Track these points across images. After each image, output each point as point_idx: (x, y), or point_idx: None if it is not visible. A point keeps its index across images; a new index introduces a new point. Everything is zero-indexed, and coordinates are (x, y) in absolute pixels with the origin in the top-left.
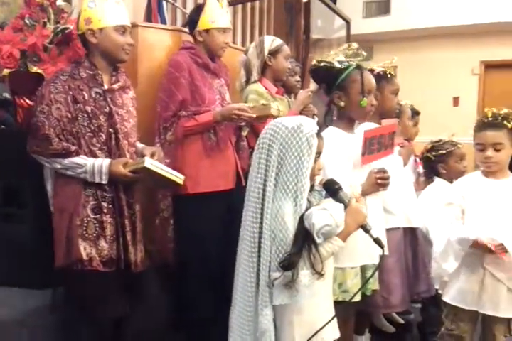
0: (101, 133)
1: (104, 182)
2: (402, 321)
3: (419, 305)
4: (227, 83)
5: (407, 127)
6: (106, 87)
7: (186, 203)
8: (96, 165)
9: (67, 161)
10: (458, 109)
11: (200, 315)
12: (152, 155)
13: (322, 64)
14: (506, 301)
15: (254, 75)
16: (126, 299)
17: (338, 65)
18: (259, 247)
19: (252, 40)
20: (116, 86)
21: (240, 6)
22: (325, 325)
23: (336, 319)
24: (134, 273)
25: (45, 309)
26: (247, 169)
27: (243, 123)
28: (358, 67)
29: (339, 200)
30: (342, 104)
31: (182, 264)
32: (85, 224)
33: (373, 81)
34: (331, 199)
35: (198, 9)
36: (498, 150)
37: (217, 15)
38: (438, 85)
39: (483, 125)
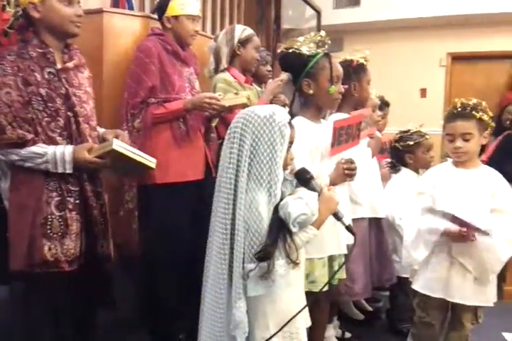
0: (59, 118)
1: (68, 171)
2: (370, 308)
3: (387, 293)
4: (196, 72)
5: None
6: (59, 66)
7: (154, 193)
8: (58, 153)
9: (24, 151)
10: (425, 101)
11: (166, 309)
12: (116, 138)
13: (291, 50)
14: (473, 290)
15: (223, 63)
16: (91, 298)
17: (306, 52)
18: (232, 239)
19: (222, 29)
20: (70, 64)
21: None
22: (296, 314)
23: (307, 307)
24: (102, 269)
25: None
26: (217, 160)
27: (214, 112)
28: (326, 54)
29: (311, 189)
30: (311, 91)
31: (149, 257)
32: (49, 223)
33: (341, 69)
34: (303, 189)
35: None
36: (467, 140)
37: (186, 2)
38: (406, 77)
39: (453, 115)
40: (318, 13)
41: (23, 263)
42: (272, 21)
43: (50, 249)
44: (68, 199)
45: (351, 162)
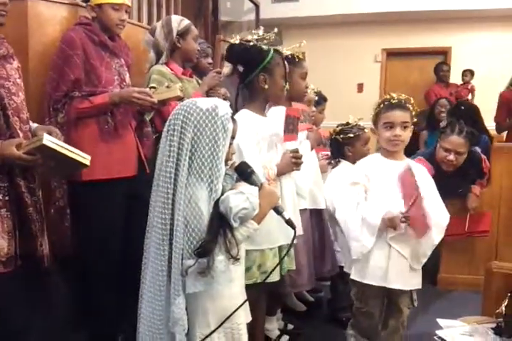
0: None
1: None
2: (312, 299)
3: (328, 283)
4: (127, 63)
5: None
6: None
7: (82, 191)
8: None
9: None
10: (362, 95)
11: (103, 309)
12: (49, 134)
13: (251, 44)
14: (410, 275)
15: (163, 58)
16: (31, 303)
17: (265, 47)
18: (171, 235)
19: (158, 20)
20: None
21: None
22: (237, 310)
23: (247, 303)
24: (41, 270)
25: None
26: (151, 156)
27: (144, 108)
28: (277, 51)
29: (252, 183)
30: (266, 86)
31: (81, 256)
32: None
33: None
34: (243, 183)
35: None
36: (404, 129)
37: None
38: (343, 72)
39: (392, 105)
40: (257, 6)
41: None
42: (209, 13)
43: None
44: None
45: (297, 152)
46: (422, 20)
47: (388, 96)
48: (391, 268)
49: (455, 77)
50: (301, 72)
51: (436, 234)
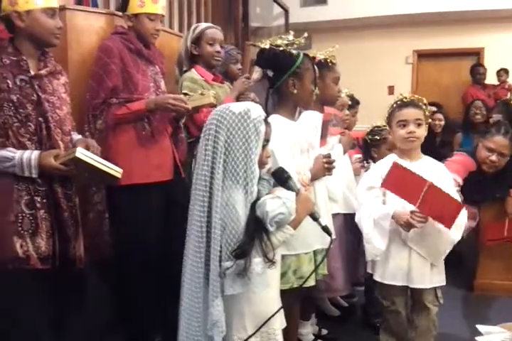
0: (29, 123)
1: (34, 176)
2: (346, 304)
3: (362, 288)
4: (162, 71)
5: (340, 116)
6: (32, 73)
7: (120, 195)
8: (24, 158)
9: None
10: (393, 98)
11: (140, 312)
12: (87, 148)
13: (281, 49)
14: (431, 273)
15: (183, 68)
16: (65, 297)
17: (294, 52)
18: (208, 237)
19: (189, 27)
20: (44, 71)
21: None
22: (273, 315)
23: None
24: (74, 270)
25: None
26: (186, 160)
27: (178, 114)
28: (307, 56)
29: (289, 189)
30: (295, 91)
31: (119, 259)
32: (20, 220)
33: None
34: (280, 188)
35: None
36: (419, 126)
37: None
38: (374, 74)
39: (405, 103)
40: (286, 11)
41: None
42: (240, 19)
43: (21, 246)
44: (36, 198)
45: (329, 157)
46: (454, 21)
47: (401, 97)
48: (411, 267)
49: (489, 78)
50: (333, 76)
51: (454, 232)
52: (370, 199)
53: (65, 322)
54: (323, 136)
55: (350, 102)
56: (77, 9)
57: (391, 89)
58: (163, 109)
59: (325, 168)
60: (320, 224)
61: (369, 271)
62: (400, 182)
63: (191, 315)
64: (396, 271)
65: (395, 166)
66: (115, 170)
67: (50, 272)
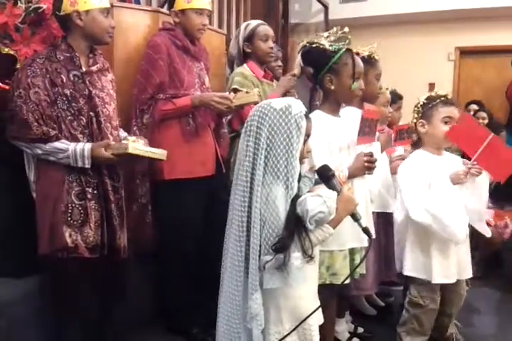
0: (81, 117)
1: (87, 166)
2: (382, 303)
3: (401, 288)
4: (206, 67)
5: (384, 113)
6: (84, 69)
7: (163, 189)
8: (78, 149)
9: (48, 146)
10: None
11: (181, 303)
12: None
13: (314, 45)
14: (470, 265)
15: (236, 66)
16: (109, 287)
17: (330, 48)
18: (248, 231)
19: (228, 25)
20: (94, 68)
21: None
22: (313, 312)
23: (320, 303)
24: (118, 260)
25: (22, 298)
26: (227, 156)
27: (222, 111)
28: (349, 50)
29: (331, 187)
30: (332, 87)
31: (161, 251)
32: (70, 211)
33: (362, 65)
34: (322, 186)
35: None
36: None
37: None
38: (414, 71)
39: (450, 101)
40: (326, 7)
41: (47, 247)
42: (279, 16)
43: (70, 236)
44: (87, 189)
45: (371, 155)
46: (498, 17)
47: (434, 94)
48: (460, 261)
49: None
50: (375, 72)
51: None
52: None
53: (107, 312)
54: (371, 134)
55: (390, 97)
56: (123, 7)
57: (432, 87)
58: (207, 105)
59: (365, 166)
60: (360, 225)
61: (407, 273)
62: (464, 132)
63: (231, 308)
64: (448, 268)
65: (465, 116)
66: (160, 154)
67: (97, 261)
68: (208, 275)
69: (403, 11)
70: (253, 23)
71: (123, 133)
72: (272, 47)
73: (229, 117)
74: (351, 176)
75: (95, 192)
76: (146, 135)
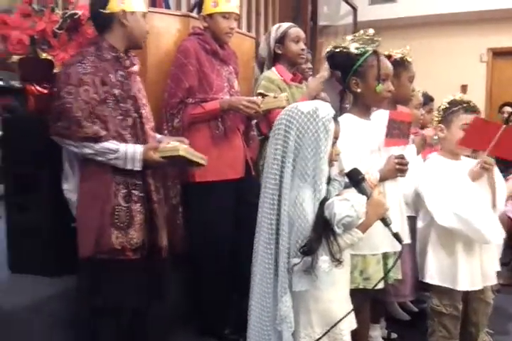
0: (128, 118)
1: (137, 169)
2: (416, 309)
3: None
4: (235, 71)
5: (416, 115)
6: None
7: (194, 191)
8: (129, 151)
9: (98, 146)
10: (466, 97)
11: (211, 304)
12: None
13: (338, 49)
14: (495, 271)
15: (266, 68)
16: (150, 288)
17: (355, 51)
18: (278, 234)
19: (257, 27)
20: (135, 68)
21: None
22: (344, 317)
23: (353, 307)
24: (159, 260)
25: (57, 297)
26: (257, 158)
27: (250, 115)
28: (375, 52)
29: (361, 191)
30: (358, 90)
31: (193, 252)
32: (117, 213)
33: (390, 67)
34: (351, 190)
35: None
36: None
37: None
38: (446, 73)
39: (473, 108)
40: (355, 9)
41: (92, 250)
42: (308, 18)
43: (117, 238)
44: (133, 192)
45: (402, 158)
46: None
47: (458, 98)
48: (483, 266)
49: None
50: (408, 75)
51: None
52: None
53: (143, 312)
54: (401, 136)
55: (422, 99)
56: (154, 11)
57: (464, 88)
58: (236, 109)
59: (397, 169)
60: (391, 230)
61: (428, 281)
62: (476, 134)
63: (261, 310)
64: (473, 275)
65: (475, 120)
66: (203, 159)
67: (138, 261)
68: (238, 277)
69: (434, 12)
70: (284, 25)
71: (157, 135)
72: (303, 49)
73: (257, 120)
74: (383, 179)
75: (140, 194)
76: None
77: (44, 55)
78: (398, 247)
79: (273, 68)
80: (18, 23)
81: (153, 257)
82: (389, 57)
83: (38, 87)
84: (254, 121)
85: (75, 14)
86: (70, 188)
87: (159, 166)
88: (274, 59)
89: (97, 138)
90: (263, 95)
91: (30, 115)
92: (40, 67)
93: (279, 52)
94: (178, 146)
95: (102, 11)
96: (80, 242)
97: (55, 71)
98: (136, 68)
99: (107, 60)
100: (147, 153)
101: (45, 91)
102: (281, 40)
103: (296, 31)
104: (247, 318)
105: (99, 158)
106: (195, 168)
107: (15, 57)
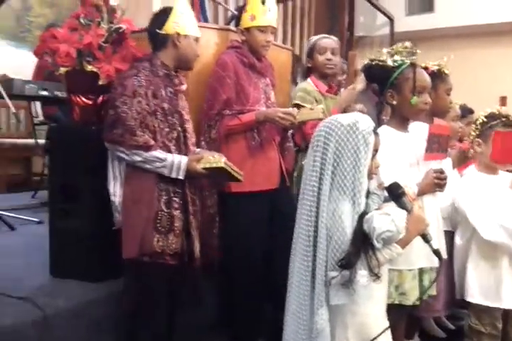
0: (173, 131)
1: (181, 177)
2: (452, 327)
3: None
4: (272, 82)
5: (454, 128)
6: (176, 87)
7: (229, 201)
8: (176, 161)
9: (147, 154)
10: (505, 110)
11: (245, 314)
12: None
13: (374, 62)
14: None
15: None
16: (185, 295)
17: (390, 63)
18: (315, 246)
19: (292, 39)
20: (183, 87)
21: (280, 5)
22: (382, 332)
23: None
24: (194, 268)
25: (99, 302)
26: (292, 169)
27: (286, 127)
28: (412, 64)
29: (401, 205)
30: (394, 102)
31: (227, 261)
32: (159, 218)
33: (428, 79)
34: (390, 204)
35: (241, 7)
36: None
37: (257, 12)
38: (485, 84)
39: (510, 122)
40: (391, 20)
41: (136, 251)
42: (344, 28)
43: (158, 241)
44: (174, 199)
45: (441, 172)
46: None
47: (496, 111)
48: None
49: None
50: (446, 87)
51: None
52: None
53: (178, 319)
54: (441, 150)
55: (460, 112)
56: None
57: (503, 100)
58: (272, 121)
59: (435, 183)
60: (431, 246)
61: (470, 299)
62: (505, 147)
63: (298, 322)
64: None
65: (496, 135)
66: (240, 174)
67: (176, 268)
68: (272, 287)
69: (472, 22)
70: (314, 37)
71: (197, 150)
72: (329, 59)
73: (291, 131)
74: (421, 193)
75: (181, 202)
76: (214, 150)
77: (89, 68)
78: (435, 263)
79: (308, 79)
80: (67, 37)
81: (187, 265)
82: (425, 69)
83: (83, 98)
84: (290, 133)
85: (120, 28)
86: (113, 192)
87: (200, 177)
88: (308, 73)
89: (147, 147)
90: (299, 106)
91: (75, 125)
92: (85, 79)
93: (309, 65)
94: (220, 159)
95: (158, 31)
96: (125, 244)
97: (99, 83)
98: (183, 87)
99: (159, 76)
100: (191, 163)
101: (90, 102)
102: (311, 53)
103: (324, 42)
104: (280, 330)
105: (147, 166)
106: (233, 183)
107: (62, 69)
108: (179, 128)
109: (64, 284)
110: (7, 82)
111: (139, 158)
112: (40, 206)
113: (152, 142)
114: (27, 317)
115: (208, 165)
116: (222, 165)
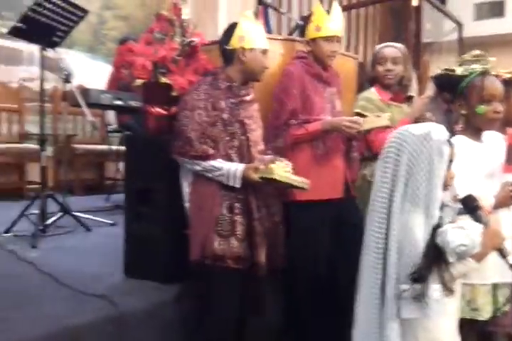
0: (234, 140)
1: (237, 185)
2: None
3: None
4: (338, 91)
5: None
6: (239, 98)
7: (294, 209)
8: (232, 169)
9: (206, 164)
10: None
11: (309, 323)
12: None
13: (443, 72)
14: None
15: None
16: (249, 299)
17: (459, 72)
18: (385, 259)
19: (356, 46)
20: (248, 98)
21: (344, 14)
22: None
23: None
24: (257, 275)
25: (171, 303)
26: (356, 179)
27: (351, 135)
28: (483, 73)
29: (477, 219)
30: (463, 111)
31: (291, 269)
32: (220, 222)
33: (499, 87)
34: (465, 217)
35: (306, 17)
36: None
37: (322, 23)
38: None
39: None
40: (460, 25)
41: (199, 254)
42: (411, 35)
43: (219, 244)
44: (236, 204)
45: None
46: None
47: None
48: None
49: None
50: None
51: None
52: None
53: (243, 324)
54: None
55: None
56: None
57: None
58: (338, 130)
59: (511, 196)
60: (508, 262)
61: None
62: None
63: (367, 336)
64: None
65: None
66: (303, 183)
67: (239, 274)
68: (337, 298)
69: None
70: (377, 47)
71: (265, 157)
72: (388, 70)
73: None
74: (496, 207)
75: (242, 207)
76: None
77: (164, 80)
78: (509, 278)
79: (372, 88)
80: (142, 51)
81: (251, 272)
82: (497, 76)
83: (157, 109)
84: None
85: (192, 42)
86: (185, 198)
87: (258, 185)
88: (372, 81)
89: (205, 157)
90: (361, 115)
91: (150, 134)
92: (160, 90)
93: (372, 75)
94: (274, 170)
95: (225, 46)
96: (191, 247)
97: (173, 94)
98: (249, 98)
99: (220, 88)
100: (247, 171)
101: (164, 112)
102: (373, 63)
103: (383, 51)
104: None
105: (208, 174)
106: (296, 190)
107: (138, 81)
108: (242, 137)
109: (138, 284)
110: (84, 91)
111: (198, 168)
112: (113, 209)
113: (211, 151)
114: (105, 314)
115: (262, 175)
116: (274, 176)
